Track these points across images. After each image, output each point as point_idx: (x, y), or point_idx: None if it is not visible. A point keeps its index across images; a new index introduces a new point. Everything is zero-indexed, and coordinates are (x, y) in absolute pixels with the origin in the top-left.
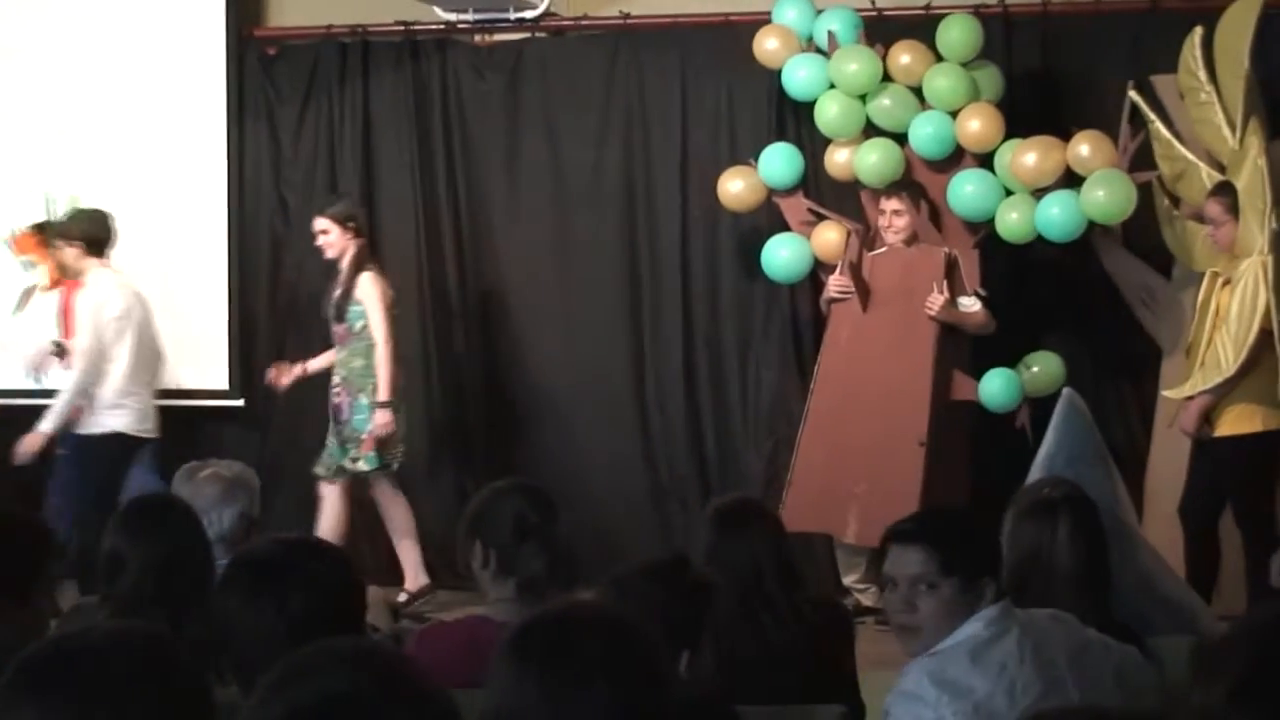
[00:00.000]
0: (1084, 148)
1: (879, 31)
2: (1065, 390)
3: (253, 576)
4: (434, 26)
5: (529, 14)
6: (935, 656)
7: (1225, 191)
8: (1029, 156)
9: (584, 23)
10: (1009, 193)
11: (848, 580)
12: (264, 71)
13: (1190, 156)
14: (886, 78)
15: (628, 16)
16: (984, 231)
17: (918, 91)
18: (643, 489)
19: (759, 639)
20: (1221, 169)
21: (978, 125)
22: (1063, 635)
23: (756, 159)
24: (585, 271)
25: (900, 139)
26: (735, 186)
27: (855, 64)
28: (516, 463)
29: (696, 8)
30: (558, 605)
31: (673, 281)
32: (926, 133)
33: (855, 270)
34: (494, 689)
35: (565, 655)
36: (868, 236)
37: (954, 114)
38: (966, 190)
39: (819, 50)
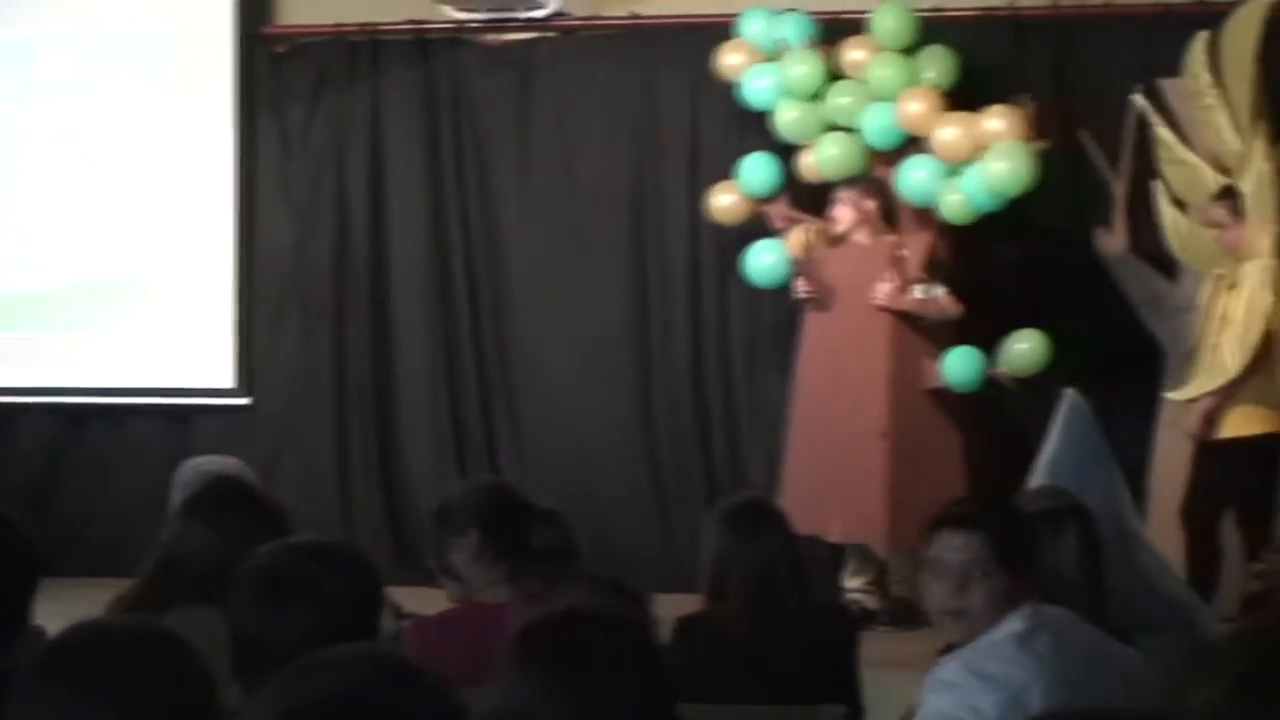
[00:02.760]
0: (994, 122)
1: (840, 31)
2: (1068, 391)
3: (266, 585)
4: (444, 25)
5: (539, 13)
6: (974, 650)
7: (1231, 194)
8: (945, 134)
9: (594, 22)
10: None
11: (851, 584)
12: (273, 70)
13: (1195, 160)
14: (841, 76)
15: (638, 15)
16: (940, 218)
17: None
18: (648, 489)
19: (766, 638)
20: (1227, 173)
21: (918, 109)
22: (1082, 635)
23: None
24: (595, 271)
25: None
26: (724, 200)
27: (801, 67)
28: (522, 461)
29: (707, 8)
30: (563, 605)
31: (681, 282)
32: (875, 124)
33: (811, 270)
34: (499, 689)
35: (572, 655)
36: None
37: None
38: (915, 177)
39: (774, 58)
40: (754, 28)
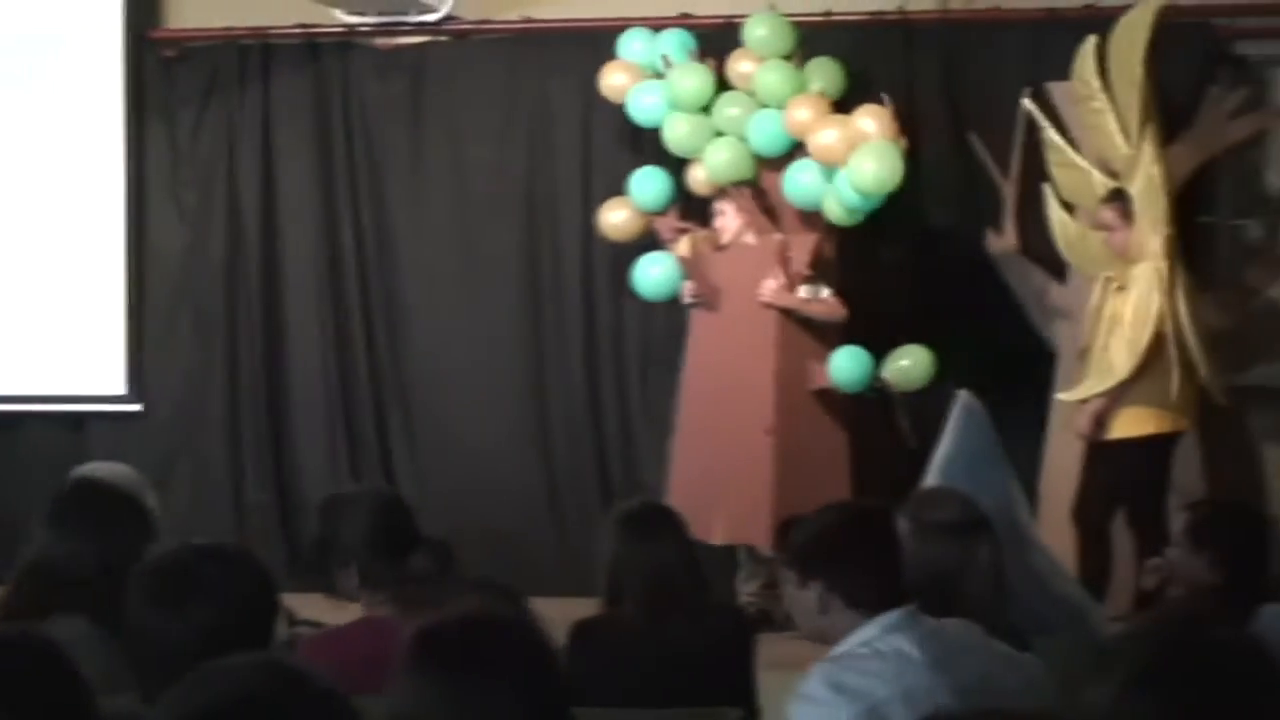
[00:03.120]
0: (866, 122)
1: (723, 40)
2: (961, 393)
3: (162, 584)
4: (335, 29)
5: (431, 17)
6: (834, 661)
7: (1120, 197)
8: (823, 136)
9: (486, 26)
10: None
11: (746, 588)
12: (163, 74)
13: (1084, 164)
14: (729, 88)
15: (530, 20)
16: (825, 221)
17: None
18: (544, 494)
19: (664, 643)
20: (1114, 175)
21: (806, 115)
22: (973, 645)
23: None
24: (488, 274)
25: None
26: (617, 217)
27: (690, 80)
28: (417, 466)
29: (599, 12)
30: (457, 609)
31: (576, 284)
32: (763, 131)
33: (699, 271)
34: (396, 694)
35: (469, 659)
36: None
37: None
38: (800, 180)
39: (659, 75)
40: (634, 48)
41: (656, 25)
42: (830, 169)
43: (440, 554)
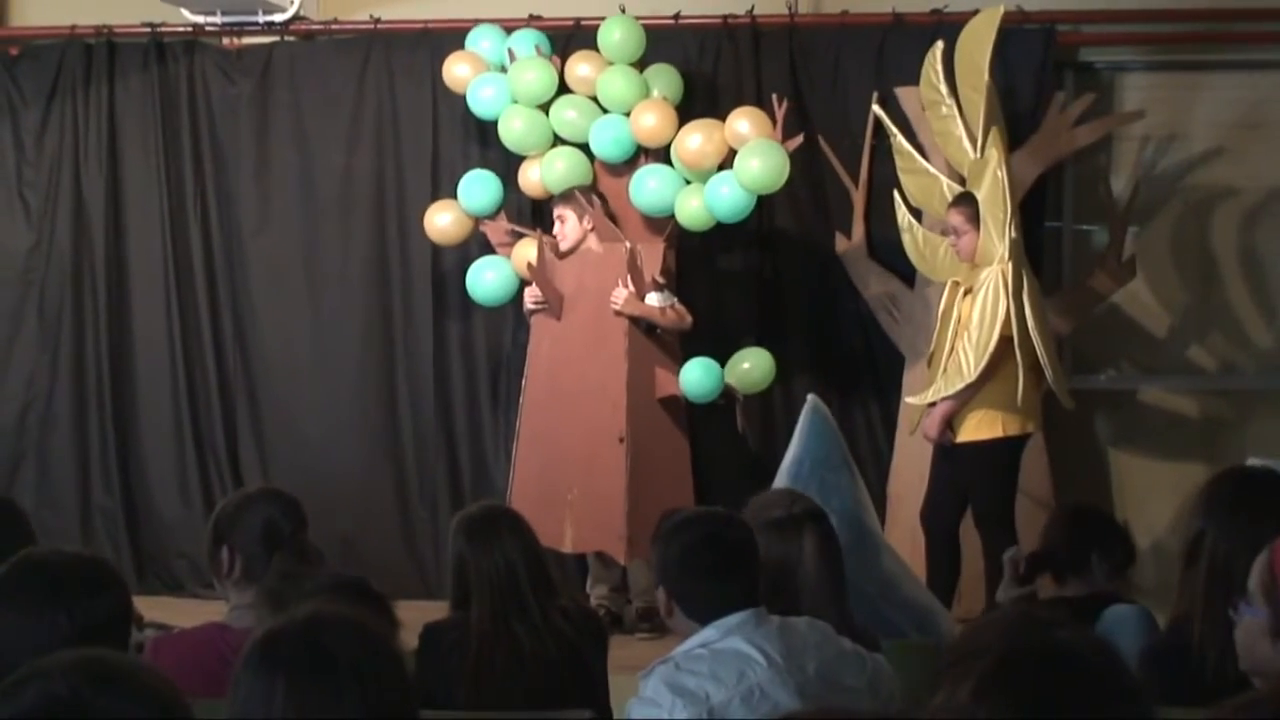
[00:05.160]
0: (742, 124)
1: (573, 42)
2: (810, 397)
3: (33, 587)
4: (181, 28)
5: (278, 17)
6: (672, 664)
7: (967, 202)
8: (692, 140)
9: (334, 27)
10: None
11: (596, 591)
12: (6, 72)
13: (931, 169)
14: (568, 90)
15: (378, 21)
16: (671, 226)
17: (599, 102)
18: (393, 497)
19: (513, 647)
20: (962, 180)
21: (652, 121)
22: (817, 643)
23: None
24: (336, 274)
25: (587, 150)
26: (443, 220)
27: (531, 73)
28: (265, 471)
29: (447, 13)
30: (304, 611)
31: (424, 287)
32: (606, 136)
33: (545, 278)
34: (239, 697)
35: (314, 661)
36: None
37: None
38: (649, 186)
39: (503, 70)
40: (482, 44)
41: (506, 26)
42: (695, 173)
43: (299, 558)
